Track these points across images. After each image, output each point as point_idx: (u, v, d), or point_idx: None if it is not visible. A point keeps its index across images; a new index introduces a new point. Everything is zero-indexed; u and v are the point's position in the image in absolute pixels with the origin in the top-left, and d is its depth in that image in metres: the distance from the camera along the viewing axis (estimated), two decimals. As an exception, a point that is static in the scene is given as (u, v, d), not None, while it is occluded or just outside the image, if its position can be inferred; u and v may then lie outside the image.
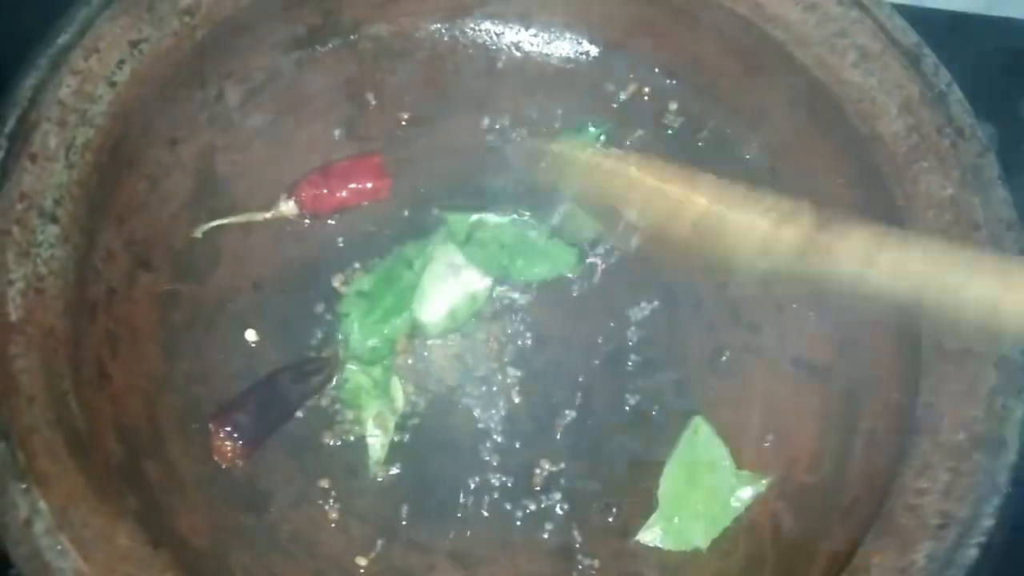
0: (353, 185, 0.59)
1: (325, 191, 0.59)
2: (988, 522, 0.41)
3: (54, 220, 0.47)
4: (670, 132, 0.64)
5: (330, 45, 0.62)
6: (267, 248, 0.59)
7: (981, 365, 0.45)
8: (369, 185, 0.60)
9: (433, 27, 0.63)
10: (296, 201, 0.58)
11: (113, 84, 0.49)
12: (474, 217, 0.59)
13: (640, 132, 0.64)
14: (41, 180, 0.47)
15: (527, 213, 0.60)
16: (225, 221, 0.57)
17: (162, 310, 0.56)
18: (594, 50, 0.64)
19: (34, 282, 0.46)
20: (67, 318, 0.47)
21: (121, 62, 0.49)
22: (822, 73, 0.55)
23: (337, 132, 0.62)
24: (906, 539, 0.42)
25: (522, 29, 0.64)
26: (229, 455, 0.52)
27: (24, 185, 0.47)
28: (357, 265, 0.59)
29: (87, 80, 0.48)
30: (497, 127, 0.63)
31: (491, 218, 0.59)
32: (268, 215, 0.58)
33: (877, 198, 0.54)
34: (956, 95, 0.51)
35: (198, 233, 0.57)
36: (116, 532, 0.41)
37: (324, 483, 0.54)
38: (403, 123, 0.63)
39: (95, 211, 0.51)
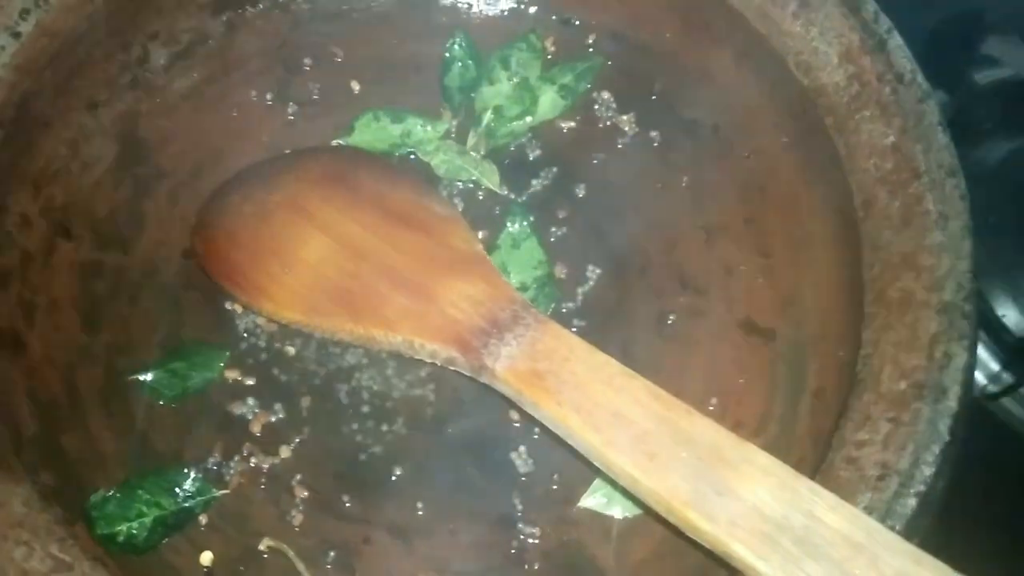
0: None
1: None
2: (928, 471, 0.39)
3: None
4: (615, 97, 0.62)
5: (261, 6, 0.60)
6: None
7: (923, 312, 0.44)
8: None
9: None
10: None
11: (16, 35, 0.47)
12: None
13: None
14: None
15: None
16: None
17: (83, 279, 0.54)
18: (532, 8, 0.63)
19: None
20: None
21: (25, 12, 0.47)
22: (763, 25, 0.54)
23: (269, 96, 0.60)
24: (845, 492, 0.40)
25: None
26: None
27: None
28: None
29: (-14, 29, 0.46)
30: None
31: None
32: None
33: (819, 152, 0.53)
34: (896, 41, 0.49)
35: None
36: (11, 499, 0.38)
37: (251, 456, 0.52)
38: (352, 90, 0.61)
39: (5, 174, 0.49)
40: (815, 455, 0.47)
